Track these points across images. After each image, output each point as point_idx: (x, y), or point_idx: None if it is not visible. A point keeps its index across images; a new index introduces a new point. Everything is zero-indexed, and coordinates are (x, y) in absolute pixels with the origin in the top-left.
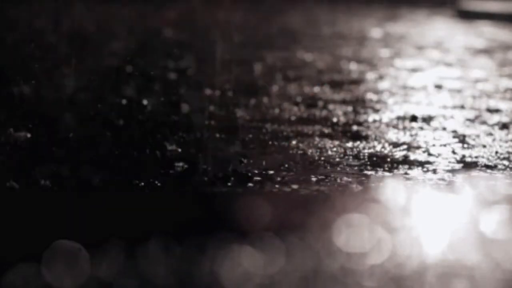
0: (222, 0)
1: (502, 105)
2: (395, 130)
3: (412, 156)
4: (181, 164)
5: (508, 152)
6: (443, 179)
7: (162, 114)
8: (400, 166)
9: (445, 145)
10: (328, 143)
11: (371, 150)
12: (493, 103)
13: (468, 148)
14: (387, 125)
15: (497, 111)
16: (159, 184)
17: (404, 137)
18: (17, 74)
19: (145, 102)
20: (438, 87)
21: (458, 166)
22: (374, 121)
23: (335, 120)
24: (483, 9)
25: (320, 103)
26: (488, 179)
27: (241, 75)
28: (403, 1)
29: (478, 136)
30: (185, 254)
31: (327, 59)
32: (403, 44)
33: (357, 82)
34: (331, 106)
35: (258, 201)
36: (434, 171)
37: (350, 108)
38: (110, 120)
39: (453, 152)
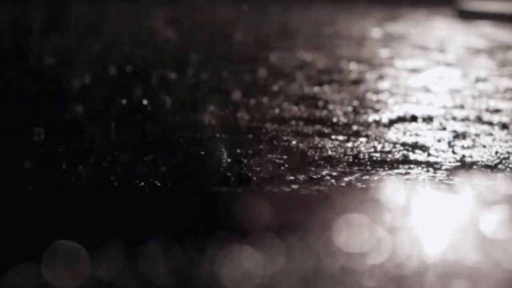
0: (222, 0)
1: (502, 105)
2: (395, 130)
3: (412, 156)
4: (181, 164)
5: (508, 152)
6: (443, 179)
7: (162, 114)
8: (400, 166)
9: (445, 145)
10: (328, 143)
11: (371, 150)
12: (493, 103)
13: (468, 148)
14: (387, 125)
15: (497, 111)
16: (159, 184)
17: (404, 137)
18: (16, 74)
19: (145, 102)
20: (438, 87)
21: (458, 166)
22: (374, 121)
23: (335, 120)
24: (483, 9)
25: (320, 103)
26: (488, 179)
27: (241, 75)
28: (403, 1)
29: (478, 136)
30: (185, 254)
31: (327, 59)
32: (403, 44)
33: (357, 82)
34: (331, 106)
35: (258, 201)
36: (434, 171)
37: (350, 108)
38: (111, 120)
39: (453, 152)
